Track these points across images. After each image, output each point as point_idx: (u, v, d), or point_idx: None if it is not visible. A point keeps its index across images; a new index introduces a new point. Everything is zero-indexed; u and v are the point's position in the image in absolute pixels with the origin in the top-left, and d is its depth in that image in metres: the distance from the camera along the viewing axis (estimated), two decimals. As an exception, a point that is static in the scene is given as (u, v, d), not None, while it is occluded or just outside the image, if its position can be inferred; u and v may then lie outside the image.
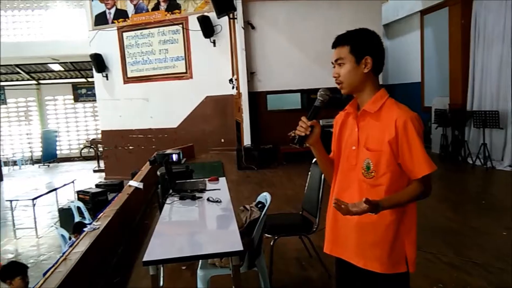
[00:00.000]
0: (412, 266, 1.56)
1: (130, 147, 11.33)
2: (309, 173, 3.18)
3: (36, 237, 7.52)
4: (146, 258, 1.91)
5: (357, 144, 1.57)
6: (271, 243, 2.97)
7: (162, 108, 10.75)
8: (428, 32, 9.04)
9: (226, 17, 8.69)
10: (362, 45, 1.53)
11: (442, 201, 5.08)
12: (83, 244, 3.19)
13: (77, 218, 6.86)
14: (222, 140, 10.25)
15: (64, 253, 3.49)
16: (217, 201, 2.84)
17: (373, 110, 1.54)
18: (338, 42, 1.58)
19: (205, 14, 9.68)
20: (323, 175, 2.88)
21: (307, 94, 8.36)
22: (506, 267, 3.13)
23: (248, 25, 8.43)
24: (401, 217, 1.54)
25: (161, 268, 2.24)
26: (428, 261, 3.29)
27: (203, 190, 3.15)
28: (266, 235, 2.98)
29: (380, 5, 8.90)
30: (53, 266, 3.04)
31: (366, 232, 1.55)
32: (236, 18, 8.35)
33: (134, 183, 5.29)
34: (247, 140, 8.30)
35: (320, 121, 7.60)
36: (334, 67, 1.60)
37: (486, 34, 7.04)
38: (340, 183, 1.66)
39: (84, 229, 3.75)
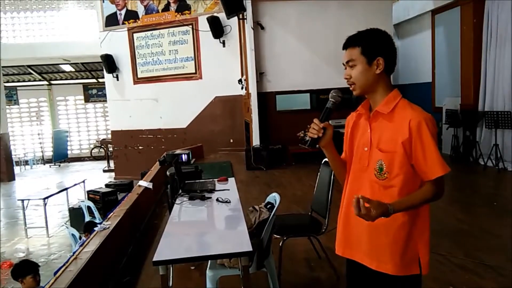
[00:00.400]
0: (425, 268, 1.54)
1: (140, 147, 11.41)
2: (318, 173, 3.17)
3: (47, 236, 7.60)
4: (156, 258, 1.92)
5: (370, 145, 1.56)
6: (280, 244, 2.96)
7: (172, 109, 10.81)
8: (439, 32, 8.95)
9: (235, 18, 8.71)
10: (373, 46, 1.52)
11: (453, 202, 5.03)
12: (93, 244, 3.22)
13: (87, 218, 6.92)
14: (231, 140, 10.27)
15: (74, 253, 3.53)
16: (226, 202, 2.85)
17: (386, 111, 1.52)
18: (349, 43, 1.56)
19: (215, 14, 9.71)
20: (332, 176, 2.86)
21: (317, 95, 8.34)
22: (519, 270, 3.09)
23: (258, 26, 8.43)
24: (413, 219, 1.53)
25: (171, 268, 2.24)
26: (438, 262, 3.25)
27: (212, 191, 3.15)
28: (275, 235, 2.97)
29: (390, 4, 8.85)
30: (64, 265, 3.07)
31: (379, 234, 1.54)
32: (245, 19, 8.36)
33: (143, 183, 5.33)
34: (256, 140, 8.30)
35: (330, 121, 7.56)
36: (346, 68, 1.59)
37: (499, 34, 6.93)
38: (352, 184, 1.65)
39: (95, 228, 3.78)
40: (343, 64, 1.60)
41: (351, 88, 1.59)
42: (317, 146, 1.63)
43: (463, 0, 7.48)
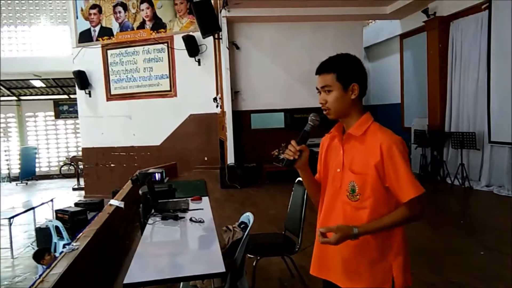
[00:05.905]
0: None
1: (112, 165, 11.17)
2: (292, 192, 3.20)
3: (12, 257, 7.26)
4: (126, 280, 1.88)
5: (342, 167, 1.59)
6: (254, 264, 2.96)
7: (145, 126, 10.69)
8: (407, 55, 9.32)
9: (211, 37, 8.80)
10: (348, 72, 1.55)
11: (422, 220, 5.14)
12: (61, 266, 3.10)
13: (55, 238, 6.69)
14: (206, 159, 10.22)
15: (41, 275, 3.39)
16: (200, 221, 2.83)
17: (358, 133, 1.56)
18: (323, 69, 1.58)
19: (191, 33, 9.77)
20: (305, 195, 2.90)
21: (290, 114, 8.48)
22: (484, 287, 3.18)
23: (233, 46, 8.54)
24: (387, 241, 1.55)
25: (142, 291, 2.20)
26: (408, 281, 3.31)
27: (185, 210, 3.13)
28: (249, 255, 2.97)
29: (361, 28, 9.16)
30: (29, 288, 2.94)
31: (353, 255, 1.56)
32: (221, 39, 8.46)
33: (115, 202, 5.21)
34: (230, 159, 8.30)
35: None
36: (320, 93, 1.61)
37: (463, 59, 7.28)
38: (326, 205, 1.67)
39: (63, 250, 3.66)
40: (317, 88, 1.62)
41: (325, 113, 1.61)
42: (293, 167, 1.66)
43: (429, 26, 7.84)
